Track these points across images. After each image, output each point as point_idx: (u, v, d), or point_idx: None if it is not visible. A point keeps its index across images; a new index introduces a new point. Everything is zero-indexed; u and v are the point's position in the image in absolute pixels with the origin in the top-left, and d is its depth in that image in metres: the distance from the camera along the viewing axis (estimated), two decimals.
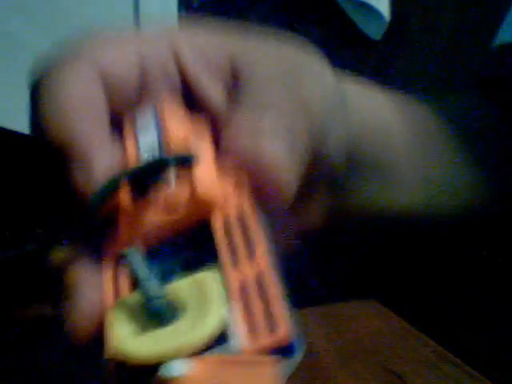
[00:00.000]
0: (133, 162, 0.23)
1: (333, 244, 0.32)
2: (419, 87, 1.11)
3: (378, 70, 1.14)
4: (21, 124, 0.73)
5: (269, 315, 0.18)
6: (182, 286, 0.20)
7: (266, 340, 0.18)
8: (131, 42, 0.26)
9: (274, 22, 1.08)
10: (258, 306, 0.18)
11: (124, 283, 0.21)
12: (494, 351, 0.41)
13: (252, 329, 0.18)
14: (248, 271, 0.19)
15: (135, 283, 0.20)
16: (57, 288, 0.23)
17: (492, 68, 0.44)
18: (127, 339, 0.19)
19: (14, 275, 0.38)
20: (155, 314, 0.19)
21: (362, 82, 0.37)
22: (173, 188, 0.21)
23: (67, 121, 0.23)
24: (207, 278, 0.19)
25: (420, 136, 0.37)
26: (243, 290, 0.19)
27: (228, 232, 0.21)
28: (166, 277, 0.20)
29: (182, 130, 0.23)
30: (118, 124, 0.26)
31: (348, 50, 1.13)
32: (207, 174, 0.22)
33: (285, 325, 0.18)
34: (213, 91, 0.26)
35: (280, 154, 0.24)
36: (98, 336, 0.21)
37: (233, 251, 0.20)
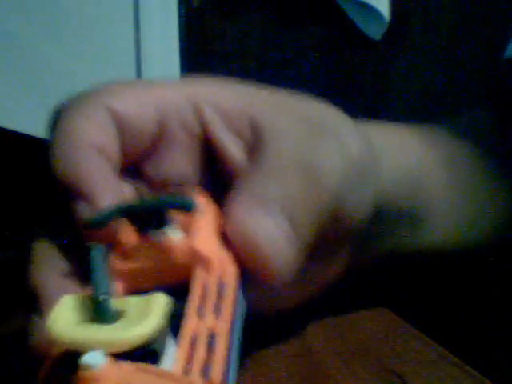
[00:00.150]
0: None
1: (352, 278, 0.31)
2: (419, 89, 1.11)
3: (378, 70, 1.15)
4: (21, 124, 0.73)
5: (207, 365, 0.19)
6: (132, 299, 0.20)
7: (196, 379, 0.18)
8: (151, 93, 0.26)
9: (274, 22, 1.08)
10: (200, 356, 0.19)
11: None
12: (493, 351, 0.41)
13: (186, 368, 0.19)
14: (207, 325, 0.20)
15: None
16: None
17: (503, 80, 0.43)
18: (60, 323, 0.19)
19: (14, 275, 0.39)
20: (98, 311, 0.19)
21: (384, 123, 0.35)
22: (168, 232, 0.22)
23: (73, 161, 0.24)
24: (159, 298, 0.20)
25: (451, 171, 0.36)
26: (195, 337, 0.20)
27: (205, 286, 0.21)
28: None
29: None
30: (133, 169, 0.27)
31: (348, 49, 1.13)
32: (205, 229, 0.23)
33: (218, 378, 0.19)
34: (233, 150, 0.26)
35: (276, 235, 0.23)
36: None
37: (202, 302, 0.21)
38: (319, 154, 0.25)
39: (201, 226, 0.23)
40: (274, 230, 0.23)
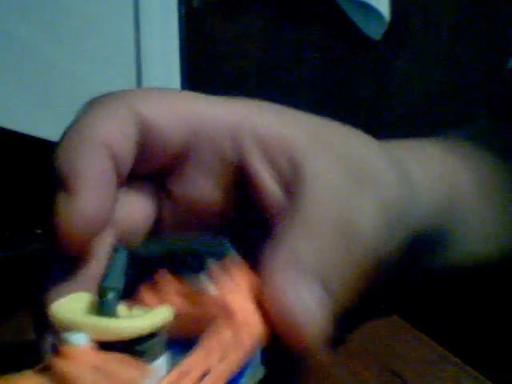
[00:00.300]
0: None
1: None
2: (419, 90, 1.11)
3: (378, 70, 1.15)
4: (21, 124, 0.73)
5: None
6: (138, 308, 0.21)
7: None
8: (186, 105, 0.25)
9: (274, 22, 1.08)
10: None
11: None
12: (494, 351, 0.41)
13: None
14: (206, 363, 0.20)
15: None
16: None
17: (508, 90, 0.43)
18: (62, 307, 0.20)
19: (14, 275, 0.38)
20: (100, 303, 0.20)
21: (412, 142, 0.34)
22: (203, 279, 0.22)
23: (73, 152, 0.23)
24: (162, 308, 0.20)
25: (484, 185, 0.35)
26: (189, 369, 0.20)
27: (223, 335, 0.21)
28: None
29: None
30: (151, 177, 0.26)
31: (348, 49, 1.13)
32: (237, 283, 0.23)
33: None
34: (270, 184, 0.25)
35: (310, 304, 0.23)
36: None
37: (214, 346, 0.21)
38: (358, 208, 0.25)
39: (233, 279, 0.23)
40: (309, 298, 0.23)
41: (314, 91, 1.05)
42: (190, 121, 0.25)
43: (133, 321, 0.19)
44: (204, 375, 0.20)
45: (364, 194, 0.25)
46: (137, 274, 0.22)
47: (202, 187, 0.26)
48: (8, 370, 0.19)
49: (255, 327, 0.22)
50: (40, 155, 0.25)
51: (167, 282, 0.22)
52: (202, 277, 0.22)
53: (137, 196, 0.25)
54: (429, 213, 0.30)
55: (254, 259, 0.24)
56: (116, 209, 0.24)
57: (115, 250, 0.21)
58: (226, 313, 0.22)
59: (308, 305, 0.23)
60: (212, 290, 0.22)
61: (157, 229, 0.26)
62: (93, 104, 0.24)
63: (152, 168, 0.25)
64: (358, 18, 1.06)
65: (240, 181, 0.26)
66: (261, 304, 0.23)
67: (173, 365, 0.20)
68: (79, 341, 0.18)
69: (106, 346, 0.19)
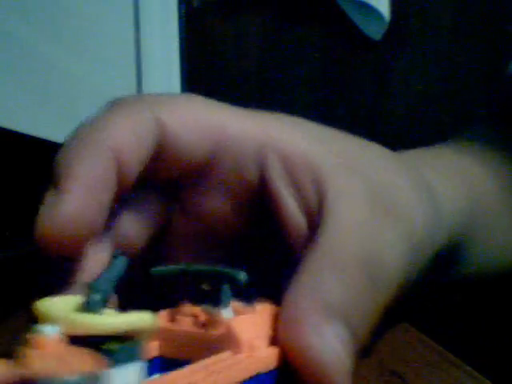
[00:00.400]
0: None
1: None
2: (419, 89, 1.11)
3: (378, 69, 1.15)
4: (21, 124, 0.73)
5: None
6: (124, 313, 0.21)
7: None
8: (212, 118, 0.24)
9: (274, 22, 1.08)
10: None
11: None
12: (493, 351, 0.41)
13: None
14: (192, 378, 0.20)
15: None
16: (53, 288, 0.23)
17: (509, 94, 0.43)
18: (49, 303, 0.20)
19: (14, 275, 0.38)
20: (86, 302, 0.20)
21: (432, 152, 0.34)
22: (223, 312, 0.22)
23: (75, 153, 0.22)
24: (144, 313, 0.20)
25: (503, 190, 0.35)
26: (173, 381, 0.20)
27: (223, 359, 0.21)
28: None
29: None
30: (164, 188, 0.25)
31: (348, 49, 1.13)
32: (255, 316, 0.22)
33: None
34: (292, 208, 0.24)
35: (334, 345, 0.22)
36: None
37: (209, 366, 0.21)
38: (382, 240, 0.24)
39: (252, 313, 0.23)
40: (332, 339, 0.22)
41: (314, 91, 1.05)
42: (214, 134, 0.24)
43: (104, 318, 0.19)
44: None
45: (388, 225, 0.24)
46: (154, 295, 0.22)
47: (218, 202, 0.25)
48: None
49: (262, 354, 0.22)
50: (40, 155, 0.25)
51: (182, 304, 0.22)
52: (217, 302, 0.22)
53: (144, 204, 0.25)
54: (452, 225, 0.29)
55: (267, 277, 0.24)
56: (118, 214, 0.24)
57: (114, 256, 0.21)
58: (231, 337, 0.22)
59: (333, 346, 0.22)
60: (225, 314, 0.22)
61: (165, 240, 0.26)
62: (114, 104, 0.24)
63: (168, 177, 0.25)
64: (358, 18, 1.06)
65: (259, 199, 0.25)
66: (278, 336, 0.23)
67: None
68: (49, 332, 0.18)
69: (78, 341, 0.19)
